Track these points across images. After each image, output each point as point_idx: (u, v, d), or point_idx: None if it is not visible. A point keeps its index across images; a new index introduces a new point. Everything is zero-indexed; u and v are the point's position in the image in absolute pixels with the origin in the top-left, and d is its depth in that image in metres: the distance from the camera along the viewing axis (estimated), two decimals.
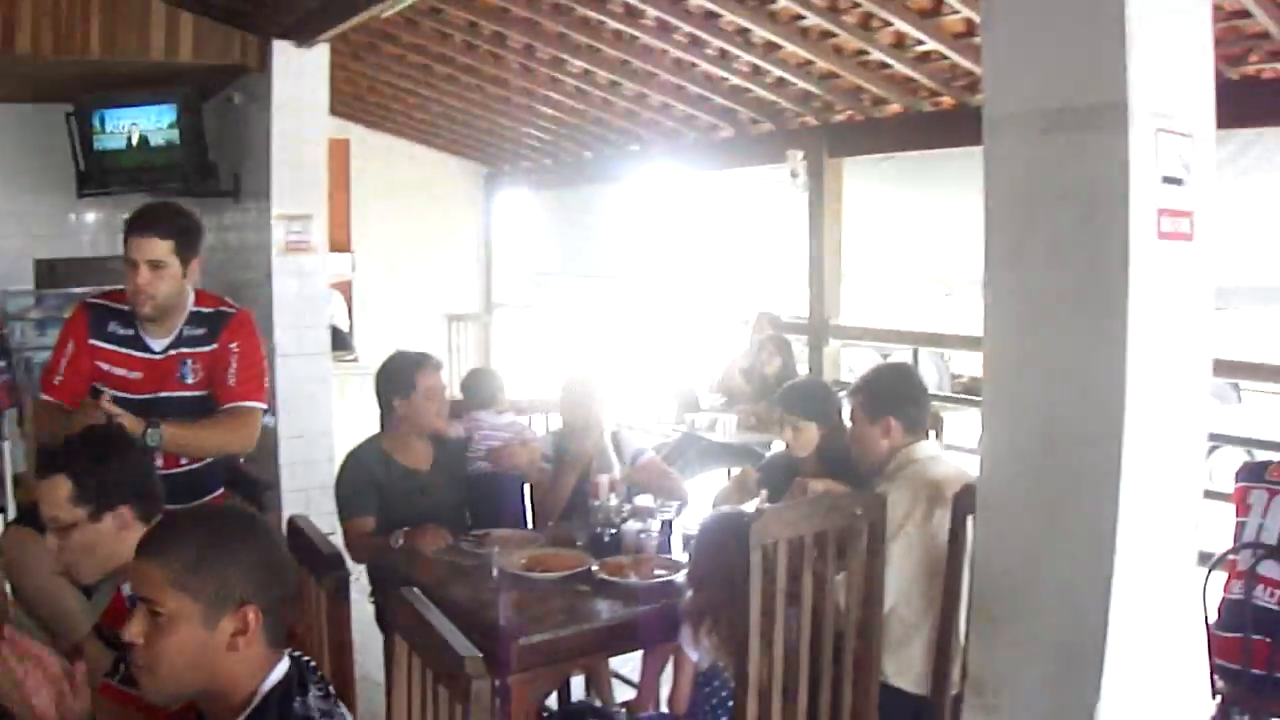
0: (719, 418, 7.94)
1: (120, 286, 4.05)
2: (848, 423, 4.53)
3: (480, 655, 2.37)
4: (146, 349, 4.04)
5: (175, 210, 4.14)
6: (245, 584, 2.14)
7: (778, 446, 6.14)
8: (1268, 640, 4.09)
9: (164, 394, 3.96)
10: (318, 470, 7.07)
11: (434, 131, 11.67)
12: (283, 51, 7.14)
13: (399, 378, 4.83)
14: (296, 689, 2.20)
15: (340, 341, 9.57)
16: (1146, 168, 2.60)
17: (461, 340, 12.71)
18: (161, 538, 2.21)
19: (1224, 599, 4.33)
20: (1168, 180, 2.66)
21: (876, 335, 11.49)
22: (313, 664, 2.32)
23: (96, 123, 7.87)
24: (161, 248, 3.91)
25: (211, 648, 2.11)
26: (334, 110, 7.58)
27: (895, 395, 4.27)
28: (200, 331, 4.10)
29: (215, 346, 4.09)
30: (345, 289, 11.11)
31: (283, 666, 2.21)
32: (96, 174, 8.02)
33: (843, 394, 5.18)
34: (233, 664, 2.14)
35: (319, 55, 7.22)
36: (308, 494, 6.93)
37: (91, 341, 4.03)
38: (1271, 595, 4.15)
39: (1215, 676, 4.30)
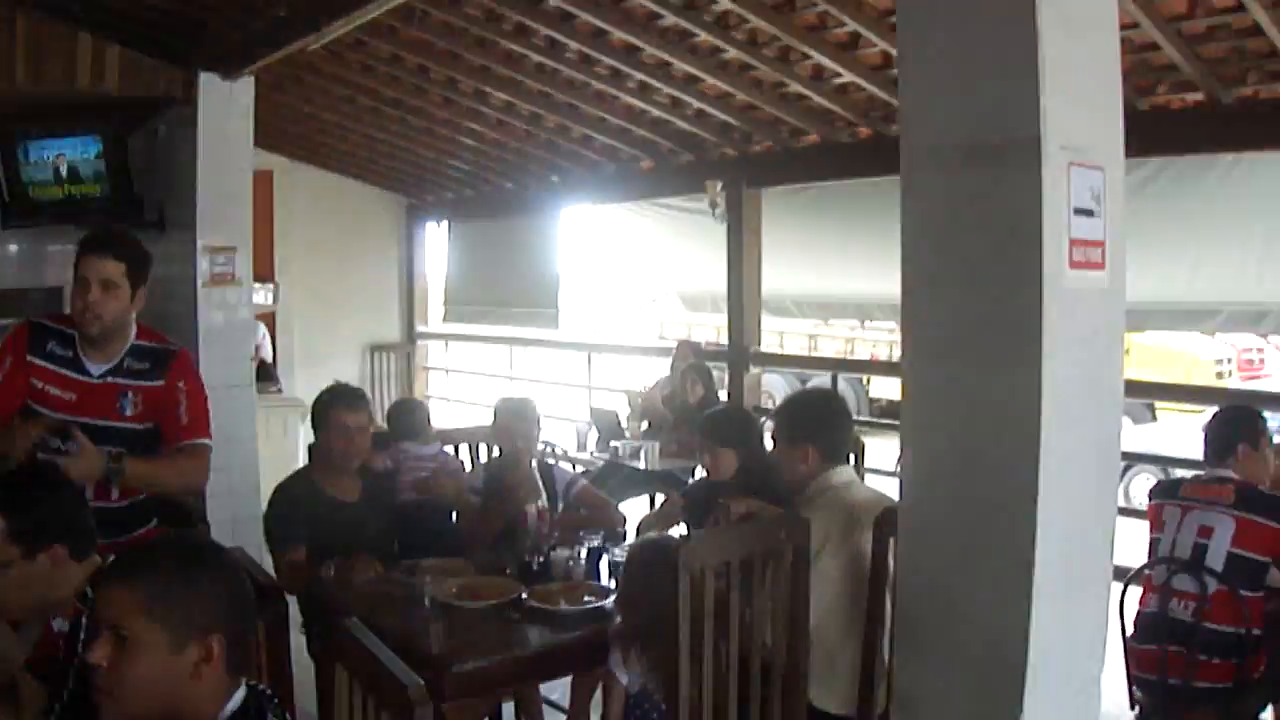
0: (643, 445, 7.99)
1: (62, 311, 4.05)
2: (770, 444, 4.59)
3: (422, 683, 2.40)
4: (84, 372, 4.01)
5: (130, 236, 4.16)
6: (212, 612, 2.17)
7: (701, 473, 6.21)
8: (1183, 650, 4.22)
9: (103, 423, 3.95)
10: (243, 502, 6.99)
11: (357, 162, 11.65)
12: (209, 83, 7.08)
13: (318, 412, 4.88)
14: (255, 718, 2.23)
15: (264, 373, 9.50)
16: (1059, 200, 2.69)
17: (383, 370, 12.68)
18: (131, 564, 2.23)
19: (1140, 612, 4.46)
20: (1079, 212, 2.74)
21: (795, 362, 11.61)
22: (269, 692, 2.34)
23: (21, 154, 7.80)
24: (115, 269, 3.92)
25: (175, 674, 2.13)
26: (258, 142, 7.54)
27: (815, 422, 4.32)
28: (144, 366, 4.09)
29: (162, 384, 4.09)
30: (268, 320, 11.02)
31: (240, 695, 2.23)
32: (21, 206, 7.94)
33: (764, 419, 5.26)
34: (195, 691, 2.16)
35: (245, 87, 7.18)
36: (233, 525, 6.86)
37: (30, 358, 4.00)
38: (1186, 608, 4.27)
39: (1134, 688, 4.43)
